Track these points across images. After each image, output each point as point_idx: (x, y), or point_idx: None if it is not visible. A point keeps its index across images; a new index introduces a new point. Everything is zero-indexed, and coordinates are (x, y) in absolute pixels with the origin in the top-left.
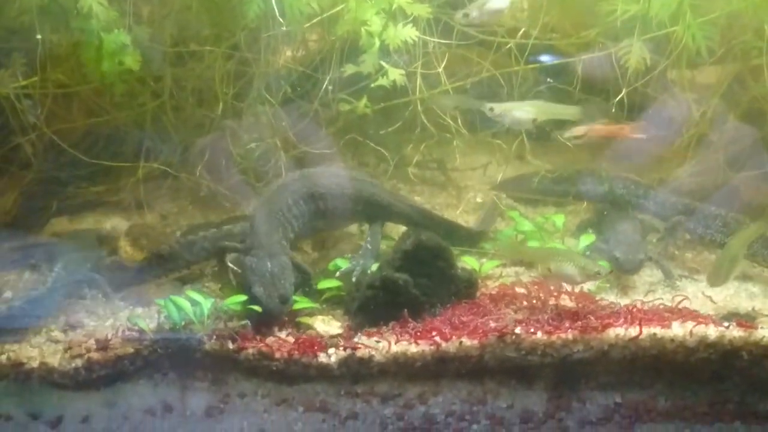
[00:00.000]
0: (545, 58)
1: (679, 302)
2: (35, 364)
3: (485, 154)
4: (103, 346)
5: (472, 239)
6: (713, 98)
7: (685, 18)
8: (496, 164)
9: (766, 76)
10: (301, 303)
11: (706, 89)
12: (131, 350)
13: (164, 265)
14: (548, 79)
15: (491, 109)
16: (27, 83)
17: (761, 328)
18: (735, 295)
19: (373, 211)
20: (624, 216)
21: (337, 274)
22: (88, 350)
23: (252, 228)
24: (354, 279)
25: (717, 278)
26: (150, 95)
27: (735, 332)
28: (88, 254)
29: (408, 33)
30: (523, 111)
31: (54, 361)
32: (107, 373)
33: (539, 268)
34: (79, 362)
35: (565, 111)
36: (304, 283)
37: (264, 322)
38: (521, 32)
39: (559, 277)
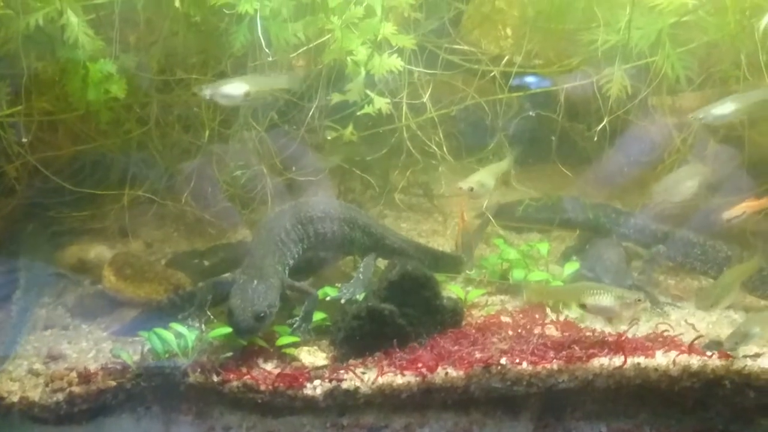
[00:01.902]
0: (530, 80)
1: (663, 332)
2: (15, 398)
3: None
4: (85, 379)
5: (455, 265)
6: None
7: (665, 48)
8: None
9: None
10: (284, 339)
11: (687, 115)
12: (114, 383)
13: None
14: (530, 112)
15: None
16: (12, 111)
17: (743, 356)
18: (717, 323)
19: (367, 241)
20: (608, 243)
21: (327, 298)
22: (70, 383)
23: (249, 251)
24: (343, 302)
25: (705, 301)
26: (136, 122)
27: (717, 361)
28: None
29: (393, 63)
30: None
31: (35, 394)
32: (89, 406)
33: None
34: (60, 396)
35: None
36: (310, 306)
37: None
38: (505, 60)
39: (596, 311)
